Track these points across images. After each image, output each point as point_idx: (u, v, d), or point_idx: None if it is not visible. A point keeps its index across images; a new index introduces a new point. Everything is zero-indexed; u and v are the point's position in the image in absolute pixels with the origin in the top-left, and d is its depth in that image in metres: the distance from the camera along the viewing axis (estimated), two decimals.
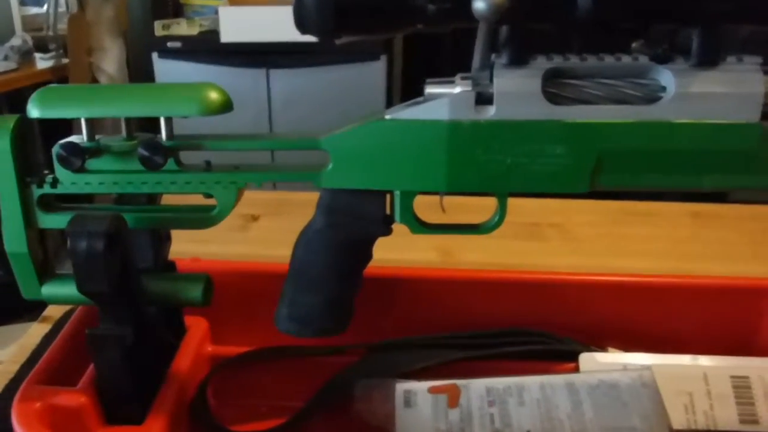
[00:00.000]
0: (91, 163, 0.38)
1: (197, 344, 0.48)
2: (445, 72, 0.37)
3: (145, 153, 0.36)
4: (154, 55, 1.92)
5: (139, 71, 2.08)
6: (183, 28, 1.92)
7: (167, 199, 0.42)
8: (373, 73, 1.88)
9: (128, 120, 0.38)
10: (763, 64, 0.34)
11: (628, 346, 0.49)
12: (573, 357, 0.48)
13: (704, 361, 0.46)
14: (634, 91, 0.35)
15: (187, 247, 0.51)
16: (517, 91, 0.35)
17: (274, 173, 0.39)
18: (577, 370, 0.47)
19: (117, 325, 0.37)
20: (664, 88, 0.35)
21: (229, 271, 0.52)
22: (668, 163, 0.35)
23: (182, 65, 1.90)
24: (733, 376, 0.45)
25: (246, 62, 1.88)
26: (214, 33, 1.88)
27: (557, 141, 0.35)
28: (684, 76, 0.34)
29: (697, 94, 0.34)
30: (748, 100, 0.33)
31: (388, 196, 0.39)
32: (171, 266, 0.44)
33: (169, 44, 1.88)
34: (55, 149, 0.37)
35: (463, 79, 0.36)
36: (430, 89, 0.37)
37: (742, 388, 0.45)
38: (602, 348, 0.50)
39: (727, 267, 0.68)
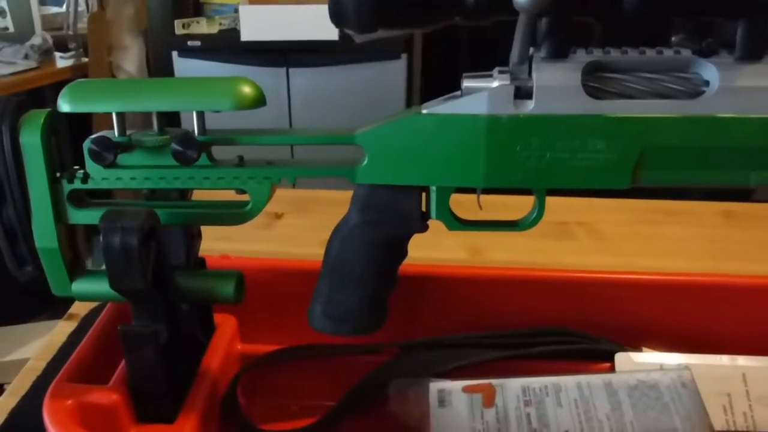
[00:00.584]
0: (123, 159, 0.38)
1: (227, 342, 0.48)
2: (464, 71, 0.37)
3: (179, 148, 0.36)
4: (174, 54, 1.93)
5: (159, 70, 2.09)
6: (203, 26, 1.93)
7: (197, 195, 0.42)
8: (394, 71, 1.87)
9: (160, 115, 0.37)
10: None
11: (662, 346, 0.49)
12: (608, 357, 0.47)
13: (742, 361, 0.46)
14: (677, 85, 0.34)
15: (211, 244, 0.51)
16: (557, 85, 0.34)
17: (309, 169, 0.39)
18: (612, 369, 0.47)
19: (151, 323, 0.37)
20: (707, 83, 0.34)
21: (258, 268, 0.52)
22: (712, 158, 0.35)
23: (202, 64, 1.90)
24: None
25: (266, 61, 1.88)
26: (234, 31, 1.89)
27: (598, 136, 0.35)
28: (728, 69, 0.33)
29: (742, 88, 0.33)
30: None
31: (424, 193, 0.39)
32: (202, 263, 0.44)
33: (189, 43, 1.89)
34: (87, 144, 0.37)
35: (501, 73, 0.35)
36: (467, 83, 0.36)
37: None
38: (637, 348, 0.49)
39: (760, 266, 0.66)
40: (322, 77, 1.89)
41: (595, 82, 0.35)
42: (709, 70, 0.34)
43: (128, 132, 0.38)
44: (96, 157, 0.37)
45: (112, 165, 0.38)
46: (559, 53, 0.34)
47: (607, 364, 0.47)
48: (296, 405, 0.49)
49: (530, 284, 0.51)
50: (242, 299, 0.42)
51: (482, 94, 0.35)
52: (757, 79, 0.33)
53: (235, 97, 0.35)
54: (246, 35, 1.83)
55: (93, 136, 0.37)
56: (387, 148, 0.37)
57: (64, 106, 0.36)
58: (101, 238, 0.33)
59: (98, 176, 0.38)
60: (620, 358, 0.47)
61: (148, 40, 2.04)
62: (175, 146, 0.36)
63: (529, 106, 0.35)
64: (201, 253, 0.45)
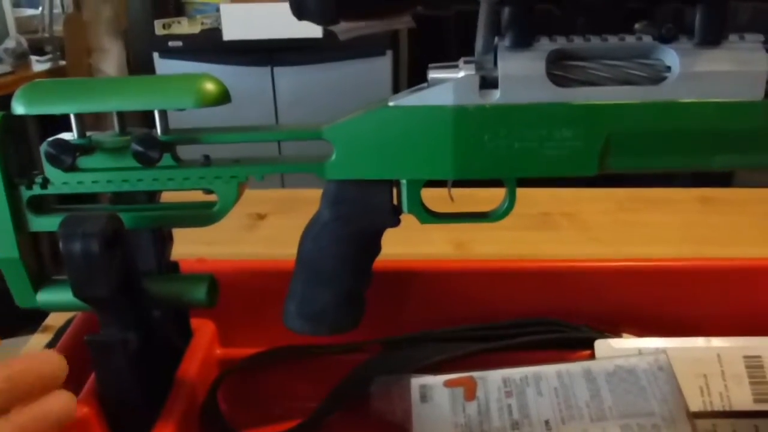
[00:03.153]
0: (83, 161, 0.37)
1: (205, 347, 0.47)
2: None
3: (139, 148, 0.35)
4: (155, 55, 1.90)
5: (140, 72, 2.07)
6: (184, 26, 1.91)
7: (167, 197, 0.41)
8: (379, 68, 1.86)
9: (121, 114, 0.37)
10: (765, 42, 0.34)
11: (642, 331, 0.49)
12: (589, 344, 0.47)
13: (717, 342, 0.46)
14: (640, 71, 0.35)
15: (193, 248, 0.50)
16: (521, 74, 0.34)
17: (276, 165, 0.38)
18: (593, 357, 0.47)
19: (119, 331, 0.36)
20: (669, 68, 0.34)
21: (236, 270, 0.51)
22: (676, 143, 0.35)
23: (184, 65, 1.88)
24: (746, 356, 0.45)
25: (250, 60, 1.86)
26: (216, 31, 1.87)
27: (564, 124, 0.35)
28: (688, 55, 0.33)
29: (702, 73, 0.33)
30: (752, 78, 0.33)
31: (395, 187, 0.38)
32: (174, 267, 0.43)
33: (171, 44, 1.86)
34: (43, 147, 0.36)
35: (466, 63, 0.35)
36: (433, 74, 0.36)
37: (755, 367, 0.45)
38: (617, 334, 0.49)
39: (737, 250, 0.68)
40: (307, 76, 1.87)
41: (559, 70, 0.35)
42: (670, 56, 0.34)
43: (88, 133, 0.37)
44: (54, 160, 0.36)
45: (72, 168, 0.37)
46: (522, 42, 0.34)
47: (588, 352, 0.47)
48: (279, 408, 0.49)
49: (511, 276, 0.51)
50: (215, 303, 0.41)
51: (448, 84, 0.35)
52: (715, 63, 0.33)
53: (196, 94, 0.35)
54: (228, 34, 1.81)
55: (50, 138, 0.36)
56: (354, 142, 0.36)
57: (19, 108, 0.35)
58: (60, 246, 0.33)
59: (58, 181, 0.37)
60: (600, 345, 0.47)
61: (128, 41, 2.02)
62: (135, 147, 0.36)
63: (495, 96, 0.35)
64: (182, 257, 0.45)
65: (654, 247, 0.70)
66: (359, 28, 1.80)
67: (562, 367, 0.43)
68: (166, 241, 0.42)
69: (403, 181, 0.38)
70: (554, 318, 0.50)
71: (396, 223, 0.38)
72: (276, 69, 1.87)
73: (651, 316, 0.50)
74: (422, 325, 0.50)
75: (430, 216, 0.38)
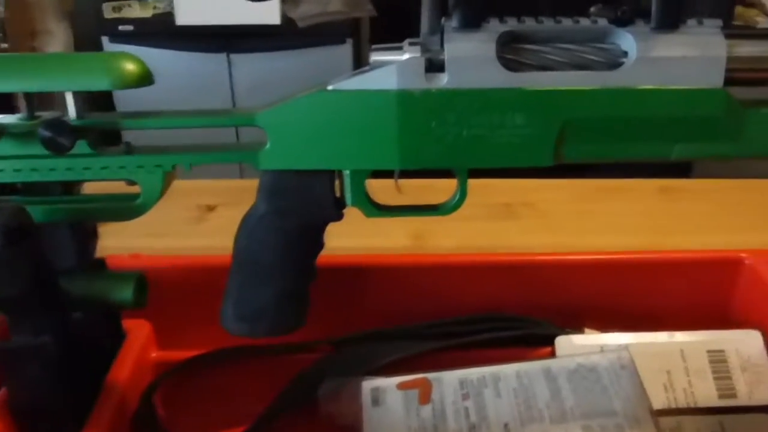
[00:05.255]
0: None
1: (138, 350, 0.44)
2: None
3: (47, 134, 0.32)
4: (105, 39, 1.83)
5: None
6: (135, 10, 1.83)
7: (91, 188, 0.37)
8: (340, 57, 1.82)
9: (29, 96, 0.33)
10: (724, 28, 0.33)
11: (605, 326, 0.47)
12: (549, 341, 0.45)
13: (680, 337, 0.45)
14: (596, 56, 0.33)
15: (134, 241, 0.47)
16: (470, 57, 0.32)
17: (206, 154, 0.35)
18: (553, 354, 0.45)
19: (33, 336, 0.33)
20: (625, 53, 0.32)
21: (175, 266, 0.48)
22: (633, 131, 0.33)
23: (135, 50, 1.78)
24: (709, 351, 0.45)
25: (205, 46, 1.80)
26: (169, 15, 1.80)
27: (517, 110, 0.32)
28: (645, 39, 0.32)
29: (659, 59, 0.32)
30: (711, 64, 0.32)
31: (338, 177, 0.35)
32: (99, 265, 0.40)
33: (121, 27, 1.79)
34: None
35: (411, 44, 0.33)
36: (375, 56, 0.33)
37: (718, 362, 0.44)
38: (579, 329, 0.48)
39: (697, 239, 0.67)
40: (265, 63, 1.82)
41: (511, 53, 0.33)
42: (627, 40, 0.32)
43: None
44: None
45: None
46: (471, 22, 0.32)
47: (548, 349, 0.45)
48: (222, 413, 0.46)
49: (469, 270, 0.49)
50: (145, 303, 0.38)
51: (391, 67, 0.32)
52: (672, 49, 0.32)
53: (113, 74, 0.31)
54: (181, 19, 1.75)
55: None
56: (290, 129, 0.33)
57: None
58: None
59: None
60: (561, 341, 0.45)
61: (75, 23, 1.93)
62: (43, 132, 0.32)
63: (442, 80, 0.32)
64: (119, 251, 0.41)
65: (614, 236, 0.69)
66: (319, 15, 1.76)
67: (522, 366, 0.41)
68: (90, 236, 0.38)
69: (346, 172, 0.35)
70: (513, 313, 0.48)
71: (338, 216, 0.36)
72: (233, 56, 1.82)
73: (613, 310, 0.48)
74: (376, 323, 0.47)
75: (376, 209, 0.36)
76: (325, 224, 0.36)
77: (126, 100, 1.85)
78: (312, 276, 0.38)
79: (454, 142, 0.33)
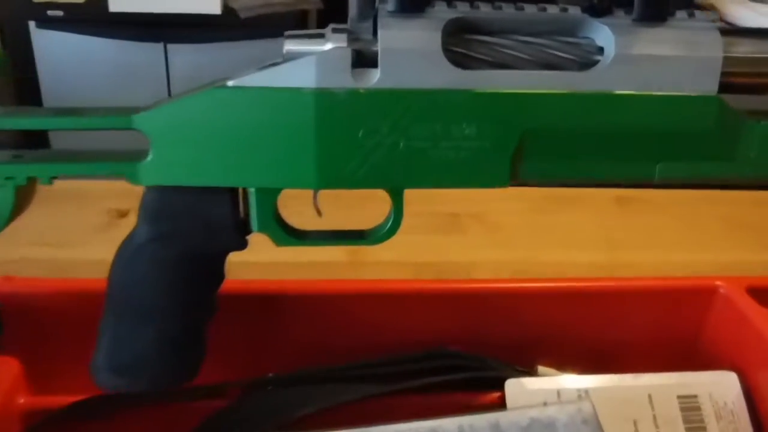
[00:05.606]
0: None
1: (2, 395, 0.36)
2: None
3: None
4: (32, 25, 1.70)
5: (18, 43, 1.84)
6: None
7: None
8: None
9: None
10: (718, 21, 0.27)
11: (561, 363, 0.42)
12: (499, 384, 0.39)
13: (647, 379, 0.40)
14: (565, 52, 0.27)
15: (35, 251, 0.38)
16: (410, 49, 0.25)
17: (71, 165, 0.27)
18: (503, 399, 0.39)
19: None
20: (601, 50, 0.27)
21: (58, 291, 0.40)
22: (609, 147, 0.27)
23: (65, 37, 1.69)
24: (680, 396, 0.39)
25: (139, 35, 1.70)
26: (102, 1, 1.69)
27: (466, 117, 0.26)
28: (626, 33, 0.26)
29: (642, 57, 0.26)
30: (704, 66, 0.26)
31: (241, 195, 0.28)
32: None
33: (50, 12, 1.67)
34: None
35: (336, 32, 0.26)
36: (290, 46, 0.26)
37: (690, 409, 0.39)
38: (532, 368, 0.42)
39: (655, 255, 0.64)
40: (204, 55, 1.72)
41: (460, 46, 0.26)
42: (603, 34, 0.26)
43: None
44: None
45: None
46: (411, 6, 0.26)
47: (497, 394, 0.39)
48: None
49: (405, 298, 0.42)
50: None
51: (309, 59, 0.25)
52: (658, 46, 0.26)
53: None
54: (115, 6, 1.64)
55: None
56: (179, 136, 0.26)
57: None
58: None
59: None
60: (511, 385, 0.39)
61: (0, 8, 1.79)
62: None
63: (374, 78, 0.26)
64: (17, 263, 0.33)
65: (568, 251, 0.65)
66: (263, 5, 1.68)
67: (465, 420, 0.35)
68: None
69: (251, 190, 0.28)
70: (457, 349, 0.42)
71: (242, 245, 0.29)
72: (170, 46, 1.71)
73: (571, 344, 0.43)
74: (294, 362, 0.40)
75: (289, 236, 0.29)
76: (225, 254, 0.29)
77: (55, 91, 1.72)
78: (209, 312, 0.31)
79: (387, 157, 0.26)
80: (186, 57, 1.74)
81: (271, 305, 0.41)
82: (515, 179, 0.27)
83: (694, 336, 0.44)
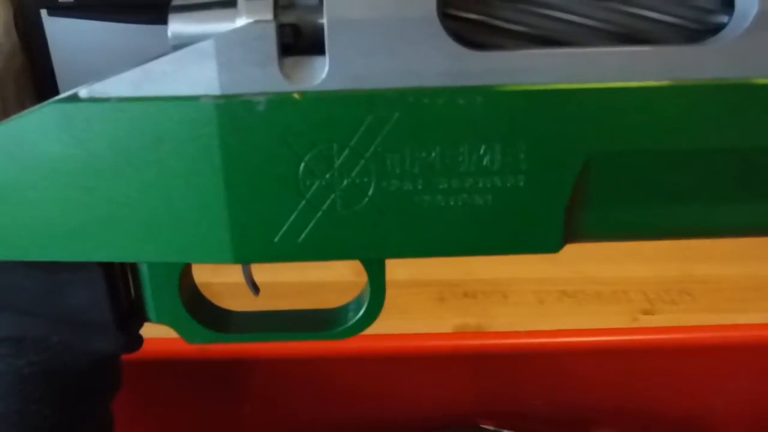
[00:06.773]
0: None
1: None
2: None
3: None
4: (44, 13, 1.64)
5: (34, 34, 1.79)
6: None
7: None
8: None
9: None
10: None
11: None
12: None
13: None
14: (664, 13, 0.15)
15: None
16: (380, 18, 0.14)
17: None
18: None
19: None
20: (730, 5, 0.15)
21: None
22: (740, 178, 0.16)
23: (77, 24, 1.62)
24: None
25: (153, 19, 1.61)
26: None
27: (484, 136, 0.15)
28: None
29: None
30: None
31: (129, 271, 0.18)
32: None
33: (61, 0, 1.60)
34: None
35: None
36: (177, 25, 0.16)
37: None
38: None
39: (742, 268, 0.52)
40: None
41: (471, 9, 0.15)
42: None
43: None
44: None
45: None
46: None
47: None
48: None
49: (419, 360, 0.33)
50: None
51: (205, 47, 0.15)
52: None
53: None
54: None
55: None
56: (10, 184, 0.16)
57: None
58: None
59: None
60: None
61: None
62: None
63: (319, 73, 0.15)
64: None
65: (628, 263, 0.54)
66: None
67: None
68: None
69: (143, 266, 0.17)
70: (487, 425, 0.31)
71: (131, 344, 0.18)
72: None
73: (635, 412, 0.34)
74: None
75: (206, 330, 0.18)
76: (107, 359, 0.19)
77: (70, 79, 1.67)
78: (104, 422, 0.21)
79: (345, 210, 0.15)
80: None
81: (242, 374, 0.31)
82: (573, 238, 0.16)
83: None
